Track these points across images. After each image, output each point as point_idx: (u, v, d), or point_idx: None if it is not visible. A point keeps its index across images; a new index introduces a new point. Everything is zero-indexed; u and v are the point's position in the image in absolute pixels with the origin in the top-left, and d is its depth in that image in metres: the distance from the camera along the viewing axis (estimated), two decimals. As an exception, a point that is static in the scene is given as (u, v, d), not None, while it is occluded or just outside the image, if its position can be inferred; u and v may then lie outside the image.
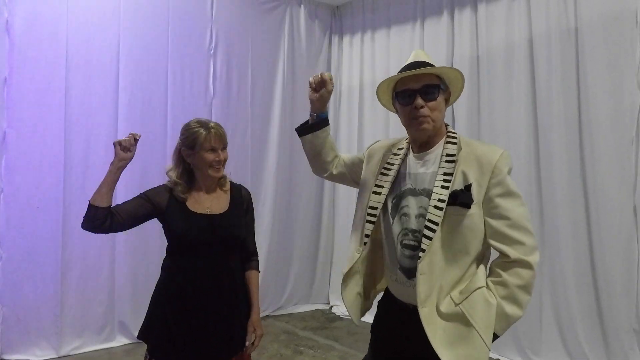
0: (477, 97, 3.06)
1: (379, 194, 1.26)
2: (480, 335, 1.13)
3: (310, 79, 1.37)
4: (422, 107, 1.16)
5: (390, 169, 1.27)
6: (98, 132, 2.94)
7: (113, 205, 1.41)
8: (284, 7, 3.81)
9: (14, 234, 2.68)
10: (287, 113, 3.82)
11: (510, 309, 1.12)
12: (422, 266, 1.14)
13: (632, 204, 2.42)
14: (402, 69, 1.23)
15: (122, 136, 3.09)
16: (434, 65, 1.20)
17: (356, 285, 1.31)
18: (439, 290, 1.16)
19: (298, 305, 3.88)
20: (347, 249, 1.44)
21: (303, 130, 1.44)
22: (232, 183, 1.56)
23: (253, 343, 1.47)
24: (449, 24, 3.24)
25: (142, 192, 1.48)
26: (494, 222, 1.13)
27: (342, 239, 3.91)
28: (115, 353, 2.86)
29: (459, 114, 3.16)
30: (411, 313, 1.17)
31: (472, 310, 1.13)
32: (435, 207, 1.14)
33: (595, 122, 2.52)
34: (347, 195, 3.90)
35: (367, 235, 1.27)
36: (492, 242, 1.15)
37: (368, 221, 1.26)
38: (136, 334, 2.95)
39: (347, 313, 3.70)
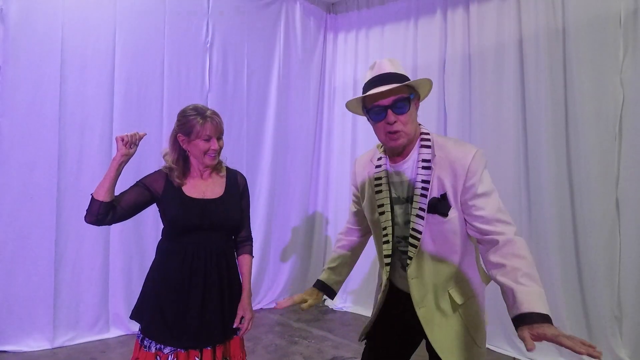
0: (469, 95, 3.15)
1: (383, 213, 1.27)
2: (472, 339, 1.24)
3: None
4: (394, 122, 1.16)
5: (381, 184, 1.28)
6: (93, 123, 2.92)
7: None
8: (279, 2, 3.85)
9: (7, 225, 2.65)
10: (282, 107, 3.85)
11: (536, 287, 1.03)
12: (410, 271, 1.22)
13: (615, 197, 2.54)
14: (367, 82, 1.21)
15: (117, 128, 3.10)
16: (401, 77, 1.18)
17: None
18: (434, 289, 1.24)
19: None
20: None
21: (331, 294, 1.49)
22: (228, 168, 1.57)
23: (245, 327, 1.49)
24: (441, 23, 3.33)
25: (138, 179, 1.49)
26: (473, 222, 1.17)
27: (334, 233, 3.98)
28: (109, 344, 2.85)
29: (450, 111, 3.25)
30: (406, 297, 1.27)
31: (469, 320, 1.24)
32: (417, 215, 1.19)
33: (580, 119, 2.63)
34: (339, 190, 3.96)
35: (387, 256, 1.29)
36: (474, 236, 1.20)
37: (385, 242, 1.28)
38: (130, 326, 2.98)
39: (340, 306, 3.77)
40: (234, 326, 1.48)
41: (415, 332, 1.32)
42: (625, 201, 2.50)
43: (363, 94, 1.22)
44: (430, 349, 1.34)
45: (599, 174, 2.57)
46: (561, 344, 0.92)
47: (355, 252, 1.52)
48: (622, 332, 2.50)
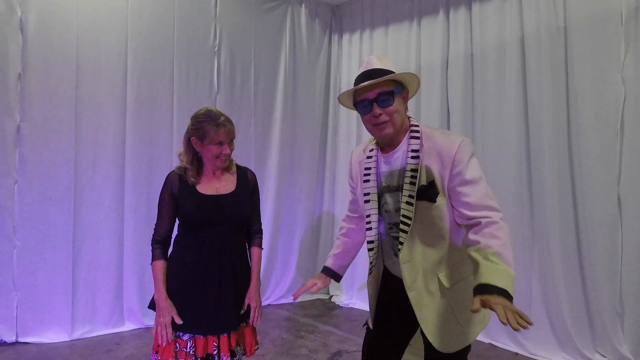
0: (472, 94, 3.18)
1: (368, 201, 1.35)
2: (457, 320, 1.31)
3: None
4: (380, 114, 1.24)
5: (369, 174, 1.36)
6: (107, 126, 3.05)
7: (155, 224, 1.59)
8: (285, 6, 3.93)
9: (28, 224, 2.80)
10: (288, 108, 3.94)
11: (503, 265, 1.07)
12: (402, 256, 1.28)
13: (616, 194, 2.54)
14: (357, 77, 1.29)
15: (130, 130, 3.21)
16: (387, 72, 1.24)
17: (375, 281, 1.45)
18: (423, 273, 1.30)
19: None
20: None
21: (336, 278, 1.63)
22: (238, 166, 1.67)
23: (253, 315, 1.58)
24: (444, 22, 3.36)
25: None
26: (460, 208, 1.23)
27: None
28: (124, 337, 2.98)
29: (453, 109, 3.28)
30: (399, 282, 1.34)
31: (454, 301, 1.30)
32: (407, 202, 1.25)
33: (582, 116, 2.65)
34: (345, 188, 4.01)
35: (370, 242, 1.37)
36: (460, 222, 1.27)
37: (368, 229, 1.36)
38: (144, 320, 3.11)
39: (346, 302, 3.84)
40: (241, 312, 1.58)
41: (412, 318, 1.39)
42: (626, 198, 2.51)
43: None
44: (423, 336, 1.42)
45: (601, 171, 2.58)
46: (494, 311, 0.96)
47: (355, 238, 1.63)
48: (624, 328, 2.51)
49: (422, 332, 1.45)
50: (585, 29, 2.63)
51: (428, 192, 1.23)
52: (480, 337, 3.00)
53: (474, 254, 1.12)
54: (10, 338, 2.77)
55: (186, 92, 3.38)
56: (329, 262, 1.62)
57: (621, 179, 2.53)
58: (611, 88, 2.55)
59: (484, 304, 0.99)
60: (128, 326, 3.11)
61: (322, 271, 1.61)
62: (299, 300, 3.95)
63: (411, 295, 1.29)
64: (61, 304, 2.89)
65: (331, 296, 4.07)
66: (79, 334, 2.93)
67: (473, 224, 1.19)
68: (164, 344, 1.46)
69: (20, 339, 2.79)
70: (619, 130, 2.53)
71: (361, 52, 4.00)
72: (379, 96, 1.23)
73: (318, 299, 4.01)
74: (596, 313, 2.60)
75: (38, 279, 2.83)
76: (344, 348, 2.85)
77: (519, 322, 0.91)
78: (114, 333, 3.03)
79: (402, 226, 1.27)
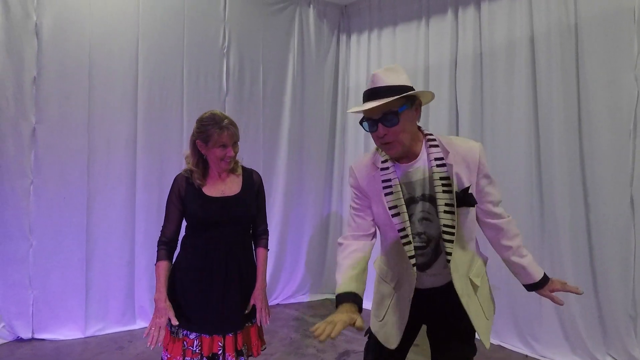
0: (480, 93, 3.15)
1: (398, 214, 1.27)
2: (485, 316, 1.39)
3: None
4: (385, 134, 1.20)
5: (391, 186, 1.28)
6: (119, 127, 3.12)
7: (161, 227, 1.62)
8: (293, 7, 3.95)
9: (43, 223, 2.88)
10: (297, 109, 3.96)
11: (530, 254, 1.40)
12: (452, 266, 1.28)
13: (629, 195, 2.50)
14: (364, 94, 1.25)
15: (141, 132, 3.28)
16: (394, 88, 1.18)
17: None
18: (465, 277, 1.33)
19: (307, 294, 4.03)
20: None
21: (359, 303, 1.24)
22: (243, 167, 1.69)
23: (259, 315, 1.60)
24: (453, 22, 3.34)
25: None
26: (484, 206, 1.34)
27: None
28: (135, 334, 3.04)
29: (462, 110, 3.26)
30: (419, 293, 1.35)
31: (482, 299, 1.39)
32: (446, 212, 1.24)
33: (594, 116, 2.60)
34: (354, 188, 4.02)
35: (411, 257, 1.28)
36: (484, 219, 1.37)
37: (406, 243, 1.27)
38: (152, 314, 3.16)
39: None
40: (246, 312, 1.60)
41: (415, 321, 1.40)
42: (640, 199, 2.47)
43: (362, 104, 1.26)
44: (431, 336, 1.42)
45: (613, 172, 2.54)
46: (568, 291, 1.39)
47: (368, 257, 1.35)
48: (637, 331, 2.47)
49: (427, 334, 1.45)
50: (596, 27, 2.59)
51: (466, 198, 1.25)
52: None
53: (514, 258, 1.38)
54: (27, 334, 2.85)
55: (196, 93, 3.42)
56: (355, 287, 1.20)
57: (634, 179, 2.48)
58: (624, 87, 2.50)
59: (554, 291, 1.40)
60: (139, 324, 3.17)
61: (347, 300, 1.15)
62: (307, 300, 3.97)
63: (464, 301, 1.30)
64: (75, 302, 2.96)
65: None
66: (92, 331, 3.00)
67: (494, 225, 1.36)
68: (152, 347, 1.47)
69: (36, 336, 2.87)
70: (632, 130, 2.48)
71: (369, 52, 3.99)
72: (384, 116, 1.19)
73: (327, 299, 4.03)
74: (608, 315, 2.56)
75: (53, 278, 2.90)
76: (352, 348, 2.86)
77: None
78: (126, 331, 3.09)
79: (446, 236, 1.25)
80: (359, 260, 1.29)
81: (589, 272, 2.64)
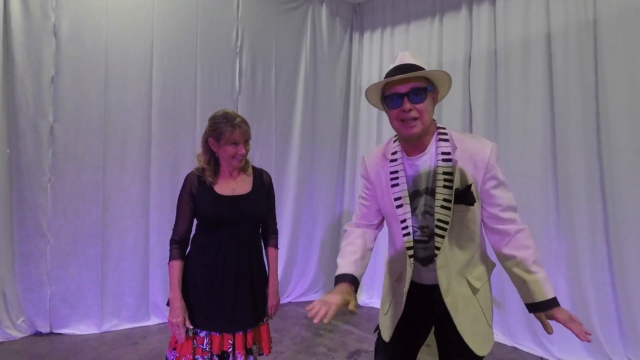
0: (495, 91, 3.11)
1: (401, 205, 1.28)
2: (487, 322, 1.32)
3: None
4: (410, 110, 1.19)
5: (397, 177, 1.29)
6: (134, 126, 3.16)
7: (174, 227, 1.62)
8: (306, 5, 3.95)
9: (60, 221, 2.94)
10: (309, 108, 3.96)
11: (542, 273, 1.23)
12: (439, 261, 1.25)
13: (650, 194, 2.44)
14: (389, 72, 1.24)
15: (155, 131, 3.32)
16: (420, 68, 1.21)
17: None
18: (456, 277, 1.29)
19: (320, 293, 4.03)
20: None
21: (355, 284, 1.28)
22: (254, 167, 1.70)
23: (271, 313, 1.63)
24: (467, 18, 3.30)
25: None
26: (490, 209, 1.25)
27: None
28: (149, 330, 3.09)
29: (476, 108, 3.22)
30: (423, 290, 1.33)
31: (483, 302, 1.32)
32: (442, 206, 1.22)
33: (612, 114, 2.54)
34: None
35: (409, 248, 1.28)
36: (489, 224, 1.27)
37: (406, 234, 1.28)
38: (168, 314, 3.20)
39: (366, 301, 3.84)
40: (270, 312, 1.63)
41: (424, 321, 1.38)
42: (661, 199, 2.40)
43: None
44: (438, 336, 1.40)
45: (633, 171, 2.48)
46: (569, 329, 1.18)
47: (370, 245, 1.40)
48: (657, 334, 2.41)
49: (434, 334, 1.43)
50: (615, 23, 2.53)
51: (465, 196, 1.22)
52: (503, 340, 2.94)
53: (516, 270, 1.24)
54: (45, 329, 2.91)
55: (209, 92, 3.45)
56: (352, 269, 1.25)
57: (655, 179, 2.42)
58: (644, 84, 2.44)
59: (551, 318, 1.20)
60: (153, 320, 3.21)
61: (345, 280, 1.21)
62: (319, 298, 3.96)
63: (447, 300, 1.27)
64: (91, 299, 3.02)
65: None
66: (107, 326, 3.05)
67: (501, 231, 1.26)
68: (180, 342, 1.50)
69: (55, 330, 2.93)
70: (652, 128, 2.42)
71: (382, 50, 3.97)
72: (411, 91, 1.18)
73: (338, 297, 4.02)
74: (627, 317, 2.50)
75: (70, 276, 2.96)
76: (363, 347, 2.85)
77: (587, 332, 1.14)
78: (140, 327, 3.14)
79: (438, 231, 1.24)
80: (360, 246, 1.34)
81: (607, 273, 2.59)
